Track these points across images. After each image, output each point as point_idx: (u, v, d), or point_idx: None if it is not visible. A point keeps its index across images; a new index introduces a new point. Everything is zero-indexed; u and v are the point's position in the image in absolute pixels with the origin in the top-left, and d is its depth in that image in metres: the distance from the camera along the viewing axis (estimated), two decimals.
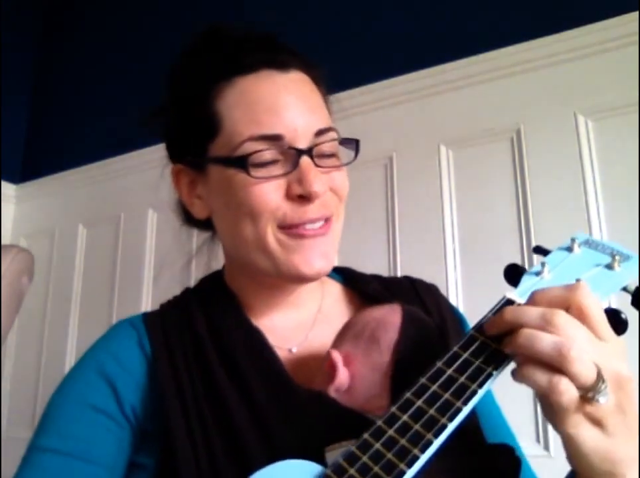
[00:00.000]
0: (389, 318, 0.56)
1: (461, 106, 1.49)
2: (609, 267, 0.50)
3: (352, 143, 0.62)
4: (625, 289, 0.49)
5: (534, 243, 1.31)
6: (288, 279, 0.61)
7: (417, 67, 1.54)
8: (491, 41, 1.46)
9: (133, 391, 0.58)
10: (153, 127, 0.68)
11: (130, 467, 0.58)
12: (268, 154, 0.56)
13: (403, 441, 0.40)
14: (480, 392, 0.42)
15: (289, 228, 0.58)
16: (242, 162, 0.55)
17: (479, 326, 0.46)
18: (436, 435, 0.40)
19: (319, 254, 0.59)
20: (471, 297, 1.38)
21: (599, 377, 0.40)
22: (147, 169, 1.99)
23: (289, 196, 0.57)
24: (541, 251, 0.55)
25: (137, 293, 1.89)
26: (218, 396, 0.55)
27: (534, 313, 0.43)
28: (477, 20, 1.51)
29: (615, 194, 1.28)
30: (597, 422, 0.41)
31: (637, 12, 1.28)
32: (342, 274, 0.74)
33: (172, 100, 0.66)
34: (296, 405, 0.54)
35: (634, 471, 0.42)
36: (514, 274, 0.52)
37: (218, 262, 0.71)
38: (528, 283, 0.49)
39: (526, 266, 0.53)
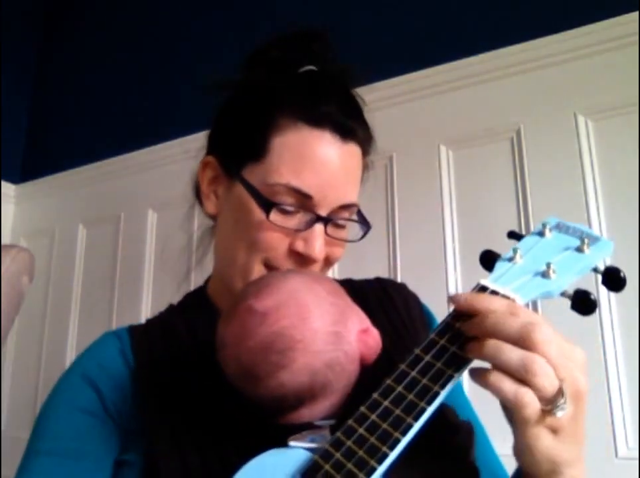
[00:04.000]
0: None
1: (461, 106, 1.49)
2: (579, 250, 0.51)
3: (364, 226, 0.68)
4: (595, 270, 0.50)
5: None
6: None
7: (418, 67, 1.54)
8: (491, 41, 1.46)
9: (114, 390, 0.60)
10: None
11: (117, 465, 0.59)
12: (292, 207, 0.60)
13: (385, 425, 0.42)
14: (443, 393, 0.43)
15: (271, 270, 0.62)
16: (267, 207, 0.59)
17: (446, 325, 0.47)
18: (416, 419, 0.42)
19: None
20: None
21: (560, 391, 0.41)
22: (147, 169, 1.99)
23: (290, 248, 0.61)
24: (515, 236, 0.56)
25: (137, 293, 1.88)
26: (196, 400, 0.57)
27: (514, 324, 0.43)
28: (477, 20, 1.51)
29: (615, 194, 1.28)
30: (553, 431, 0.43)
31: (637, 12, 1.28)
32: None
33: (236, 96, 0.66)
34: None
35: (574, 470, 0.44)
36: (488, 260, 0.53)
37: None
38: (501, 269, 0.50)
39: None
